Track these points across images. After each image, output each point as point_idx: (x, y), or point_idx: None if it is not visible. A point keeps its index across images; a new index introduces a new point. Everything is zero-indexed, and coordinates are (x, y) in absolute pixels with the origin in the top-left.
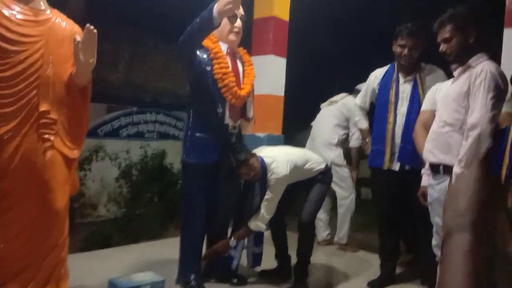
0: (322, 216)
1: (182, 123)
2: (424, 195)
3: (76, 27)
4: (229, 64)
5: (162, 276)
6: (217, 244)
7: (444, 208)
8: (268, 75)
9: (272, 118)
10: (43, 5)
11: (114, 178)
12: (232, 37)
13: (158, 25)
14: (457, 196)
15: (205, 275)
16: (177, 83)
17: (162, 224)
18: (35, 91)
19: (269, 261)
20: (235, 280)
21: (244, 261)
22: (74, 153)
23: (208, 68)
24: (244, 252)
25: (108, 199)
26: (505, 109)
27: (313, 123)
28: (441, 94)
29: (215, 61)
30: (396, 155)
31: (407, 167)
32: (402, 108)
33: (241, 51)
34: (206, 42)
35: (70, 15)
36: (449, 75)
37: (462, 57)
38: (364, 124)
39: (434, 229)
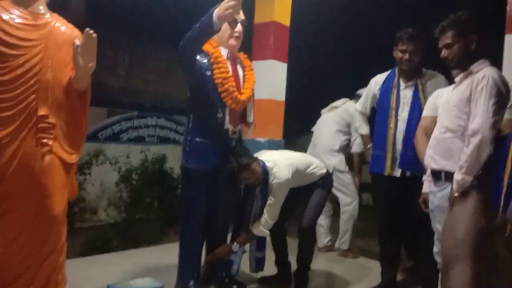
0: (323, 222)
1: (183, 127)
2: (425, 202)
3: (76, 31)
4: (230, 69)
5: (161, 282)
6: (219, 248)
7: (442, 236)
8: (269, 80)
9: (273, 123)
10: (42, 9)
11: (114, 182)
12: (232, 42)
13: (159, 30)
14: (455, 226)
15: (205, 281)
16: (178, 87)
17: (162, 229)
18: (34, 95)
19: (269, 267)
20: (235, 287)
21: (244, 266)
22: (73, 158)
23: (208, 73)
24: (246, 257)
25: (108, 204)
26: (507, 115)
27: (314, 129)
28: (442, 100)
29: (215, 65)
30: (397, 161)
31: (408, 173)
32: (403, 114)
33: (242, 56)
34: (207, 47)
35: (71, 20)
36: (449, 81)
37: (464, 63)
38: (365, 130)
39: (435, 236)
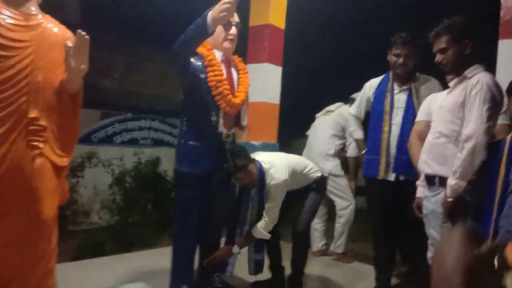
0: (318, 226)
1: (177, 130)
2: (419, 207)
3: (68, 33)
4: (224, 71)
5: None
6: (219, 251)
7: (433, 265)
8: (264, 83)
9: (267, 126)
10: (34, 9)
11: (107, 185)
12: (227, 44)
13: (154, 32)
14: (443, 257)
15: (198, 286)
16: (172, 89)
17: (155, 233)
18: (24, 97)
19: (263, 271)
20: None
21: (238, 270)
22: (64, 161)
23: (202, 76)
24: (242, 259)
25: (101, 207)
26: (500, 120)
27: (309, 133)
28: (436, 104)
29: (209, 68)
30: (391, 165)
31: (402, 178)
32: (397, 118)
33: (236, 58)
34: (201, 49)
35: (66, 21)
36: (443, 85)
37: (458, 68)
38: (359, 134)
39: (429, 242)
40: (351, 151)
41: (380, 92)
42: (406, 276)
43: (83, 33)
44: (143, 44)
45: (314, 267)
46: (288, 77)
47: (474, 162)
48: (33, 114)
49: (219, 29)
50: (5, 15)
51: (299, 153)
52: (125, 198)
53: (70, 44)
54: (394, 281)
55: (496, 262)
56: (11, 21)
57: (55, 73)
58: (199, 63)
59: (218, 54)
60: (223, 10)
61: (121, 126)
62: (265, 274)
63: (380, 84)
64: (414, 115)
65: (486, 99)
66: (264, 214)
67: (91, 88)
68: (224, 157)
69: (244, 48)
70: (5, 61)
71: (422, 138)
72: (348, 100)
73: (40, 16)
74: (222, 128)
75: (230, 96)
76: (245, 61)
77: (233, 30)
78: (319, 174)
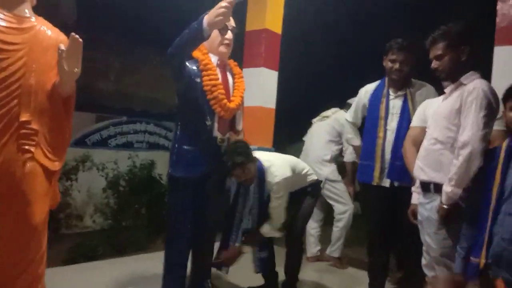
0: (313, 231)
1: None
2: (414, 213)
3: (62, 36)
4: (219, 76)
5: None
6: (228, 251)
7: None
8: (259, 87)
9: (263, 131)
10: (27, 12)
11: (101, 188)
12: (222, 49)
13: (149, 35)
14: None
15: None
16: (168, 93)
17: (149, 237)
18: (16, 100)
19: (255, 277)
20: None
21: (233, 273)
22: (56, 165)
23: (198, 80)
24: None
25: (94, 210)
26: (496, 126)
27: (305, 138)
28: (432, 110)
29: (204, 72)
30: (386, 171)
31: (396, 184)
32: (392, 124)
33: (232, 63)
34: (196, 53)
35: (61, 23)
36: (439, 91)
37: (454, 74)
38: (357, 141)
39: (424, 248)
40: (349, 156)
41: (376, 98)
42: (400, 282)
43: (77, 36)
44: (139, 47)
45: (308, 273)
46: (284, 82)
47: (470, 169)
48: (24, 117)
49: (215, 33)
50: None
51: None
52: (119, 202)
53: (62, 47)
54: (388, 287)
55: None
56: (4, 23)
57: (48, 76)
58: (195, 67)
59: (213, 59)
60: (219, 14)
61: (116, 129)
62: (258, 280)
63: (375, 89)
64: (409, 121)
65: (483, 106)
66: (270, 214)
67: (86, 90)
68: (218, 161)
69: (240, 52)
70: None
71: (416, 143)
72: (344, 105)
73: (33, 18)
74: (216, 133)
75: (225, 101)
76: (241, 66)
77: (229, 34)
78: (315, 178)
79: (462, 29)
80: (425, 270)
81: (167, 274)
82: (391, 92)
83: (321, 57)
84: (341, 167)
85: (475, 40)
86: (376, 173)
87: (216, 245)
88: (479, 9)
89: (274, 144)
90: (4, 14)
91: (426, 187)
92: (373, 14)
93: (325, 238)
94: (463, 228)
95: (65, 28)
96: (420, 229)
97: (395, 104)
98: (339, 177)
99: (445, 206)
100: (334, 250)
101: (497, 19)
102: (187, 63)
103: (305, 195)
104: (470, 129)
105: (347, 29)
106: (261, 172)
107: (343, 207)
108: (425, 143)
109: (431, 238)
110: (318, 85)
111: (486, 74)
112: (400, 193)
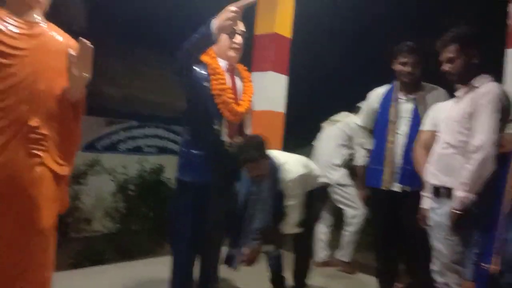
0: (323, 236)
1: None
2: (424, 218)
3: (72, 41)
4: (228, 80)
5: None
6: (250, 251)
7: None
8: (269, 91)
9: (272, 135)
10: (38, 18)
11: (110, 193)
12: (231, 53)
13: (159, 40)
14: None
15: None
16: (177, 97)
17: (157, 241)
18: (25, 106)
19: (263, 282)
20: None
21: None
22: (64, 170)
23: (206, 84)
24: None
25: (103, 214)
26: (508, 130)
27: (315, 143)
28: (442, 114)
29: (212, 76)
30: (396, 175)
31: (406, 188)
32: (403, 128)
33: (240, 67)
34: (204, 58)
35: (70, 29)
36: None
37: (465, 78)
38: (370, 145)
39: (434, 254)
40: (359, 159)
41: (386, 102)
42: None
43: (86, 41)
44: (149, 51)
45: (316, 278)
46: (294, 86)
47: (483, 174)
48: (34, 122)
49: (224, 37)
50: (8, 23)
51: None
52: (128, 206)
53: (72, 52)
54: None
55: None
56: (14, 29)
57: (57, 81)
58: (203, 71)
59: (222, 63)
60: (228, 19)
61: (126, 133)
62: (266, 285)
63: (385, 93)
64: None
65: (495, 109)
66: (286, 212)
67: (97, 96)
68: (226, 166)
69: (249, 56)
70: (7, 69)
71: (427, 147)
72: (354, 109)
73: (43, 24)
74: (225, 137)
75: (233, 105)
76: (250, 70)
77: (238, 38)
78: (324, 180)
79: (473, 31)
80: (435, 276)
81: (173, 279)
82: (401, 96)
83: (330, 61)
84: (352, 172)
85: (486, 43)
86: (385, 177)
87: (223, 250)
88: (479, 11)
89: (284, 148)
90: (14, 20)
91: (437, 192)
92: (383, 18)
93: (334, 243)
94: (475, 234)
95: (75, 35)
96: (430, 234)
97: (406, 108)
98: (350, 181)
99: (457, 211)
100: (344, 254)
101: (509, 22)
102: (195, 67)
103: (314, 199)
104: (483, 133)
105: (358, 33)
106: (274, 169)
107: (354, 211)
108: (436, 148)
109: (442, 244)
110: (328, 89)
111: (496, 77)
112: (409, 198)
